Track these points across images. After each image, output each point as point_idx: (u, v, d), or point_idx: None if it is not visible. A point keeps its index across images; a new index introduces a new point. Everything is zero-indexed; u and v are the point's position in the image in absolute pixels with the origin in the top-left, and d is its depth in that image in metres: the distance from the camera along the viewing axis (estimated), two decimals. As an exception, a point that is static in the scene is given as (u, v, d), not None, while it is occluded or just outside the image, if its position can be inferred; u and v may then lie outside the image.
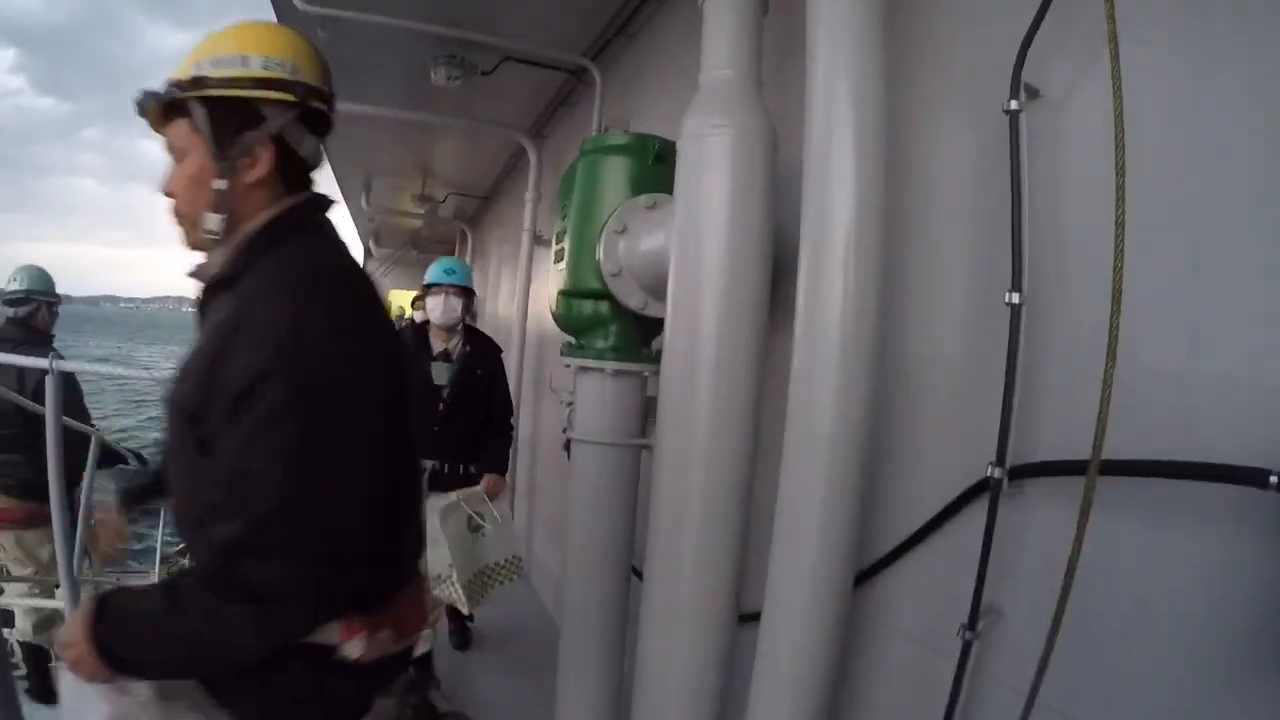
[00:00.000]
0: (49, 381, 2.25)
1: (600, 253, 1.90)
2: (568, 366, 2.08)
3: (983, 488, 1.26)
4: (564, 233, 2.06)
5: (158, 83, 1.04)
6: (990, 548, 1.24)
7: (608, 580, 2.03)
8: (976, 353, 1.36)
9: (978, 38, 1.42)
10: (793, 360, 1.36)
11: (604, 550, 2.03)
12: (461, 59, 3.38)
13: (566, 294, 2.03)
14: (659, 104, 2.82)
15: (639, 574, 1.85)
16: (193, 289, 1.10)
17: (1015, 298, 1.20)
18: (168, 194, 1.06)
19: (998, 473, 1.22)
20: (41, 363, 2.27)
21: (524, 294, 4.02)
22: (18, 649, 3.17)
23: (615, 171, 1.98)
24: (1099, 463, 1.04)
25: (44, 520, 2.89)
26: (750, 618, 1.52)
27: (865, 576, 1.51)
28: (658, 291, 1.80)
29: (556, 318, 2.14)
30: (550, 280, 2.21)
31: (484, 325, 6.60)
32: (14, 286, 3.27)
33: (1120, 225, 1.03)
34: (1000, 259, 1.23)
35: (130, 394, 19.42)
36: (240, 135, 1.01)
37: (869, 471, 1.34)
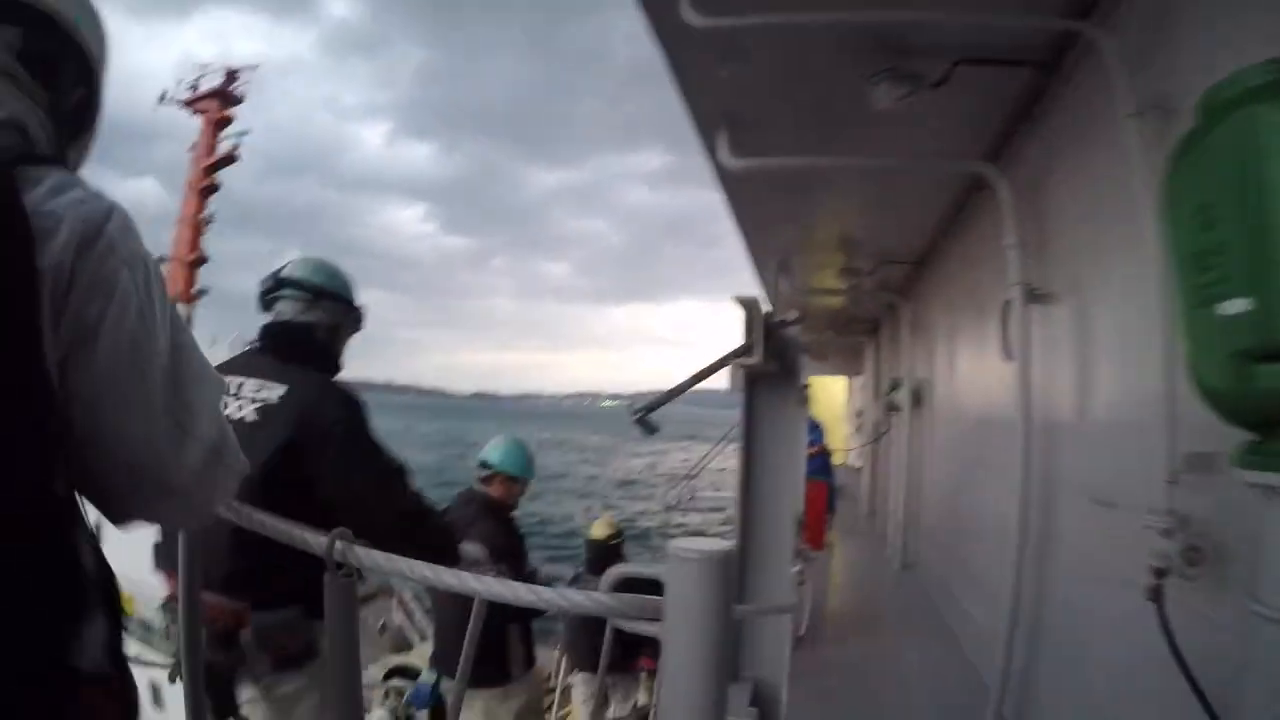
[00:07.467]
0: None
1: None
2: (1253, 485, 1.16)
3: None
4: (1212, 252, 1.19)
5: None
6: None
7: None
8: None
9: None
10: None
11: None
12: (903, 71, 2.71)
13: (1248, 355, 1.12)
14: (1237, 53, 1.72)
15: None
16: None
17: None
18: None
19: None
20: None
21: (1023, 368, 2.99)
22: None
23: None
24: None
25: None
26: None
27: None
28: None
29: (1212, 395, 1.24)
30: (1186, 334, 1.30)
31: (933, 411, 5.60)
32: (299, 274, 2.17)
33: None
34: None
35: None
36: None
37: None
